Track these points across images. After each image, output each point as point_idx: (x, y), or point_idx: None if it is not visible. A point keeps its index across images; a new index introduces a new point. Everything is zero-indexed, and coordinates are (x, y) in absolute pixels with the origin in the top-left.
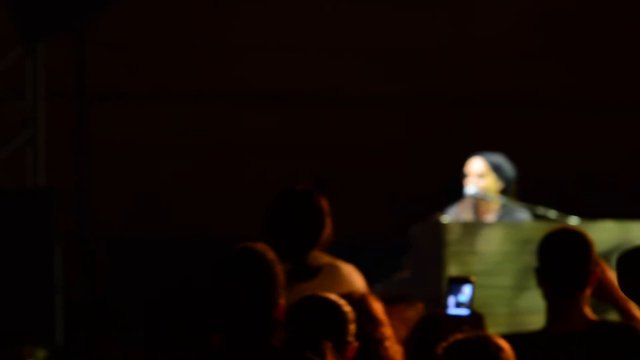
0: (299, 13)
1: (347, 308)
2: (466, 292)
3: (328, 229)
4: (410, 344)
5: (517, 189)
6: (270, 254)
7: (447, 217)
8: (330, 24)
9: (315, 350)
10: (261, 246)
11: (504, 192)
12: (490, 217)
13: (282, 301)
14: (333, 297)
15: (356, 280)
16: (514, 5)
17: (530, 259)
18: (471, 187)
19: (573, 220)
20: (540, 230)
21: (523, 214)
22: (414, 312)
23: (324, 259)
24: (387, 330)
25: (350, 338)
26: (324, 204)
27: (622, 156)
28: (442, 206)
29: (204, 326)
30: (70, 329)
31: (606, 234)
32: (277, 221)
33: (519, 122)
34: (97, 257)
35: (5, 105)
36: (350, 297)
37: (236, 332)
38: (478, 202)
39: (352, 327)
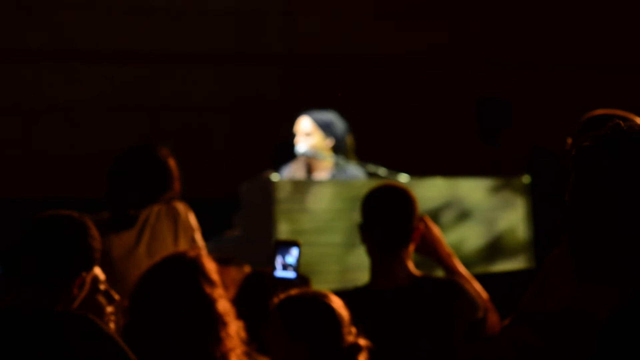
0: None
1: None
2: (293, 254)
3: (172, 185)
4: (237, 303)
5: (354, 146)
6: (79, 223)
7: (277, 175)
8: None
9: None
10: (72, 213)
11: (336, 149)
12: (323, 175)
13: (85, 274)
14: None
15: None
16: None
17: (359, 216)
18: (301, 145)
19: (403, 177)
20: (369, 187)
21: (357, 171)
22: (242, 274)
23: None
24: (220, 290)
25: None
26: (171, 161)
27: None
28: (276, 165)
29: None
30: None
31: (435, 191)
32: (119, 178)
33: (356, 81)
34: None
35: None
36: (184, 255)
37: (28, 292)
38: (310, 160)
39: None
